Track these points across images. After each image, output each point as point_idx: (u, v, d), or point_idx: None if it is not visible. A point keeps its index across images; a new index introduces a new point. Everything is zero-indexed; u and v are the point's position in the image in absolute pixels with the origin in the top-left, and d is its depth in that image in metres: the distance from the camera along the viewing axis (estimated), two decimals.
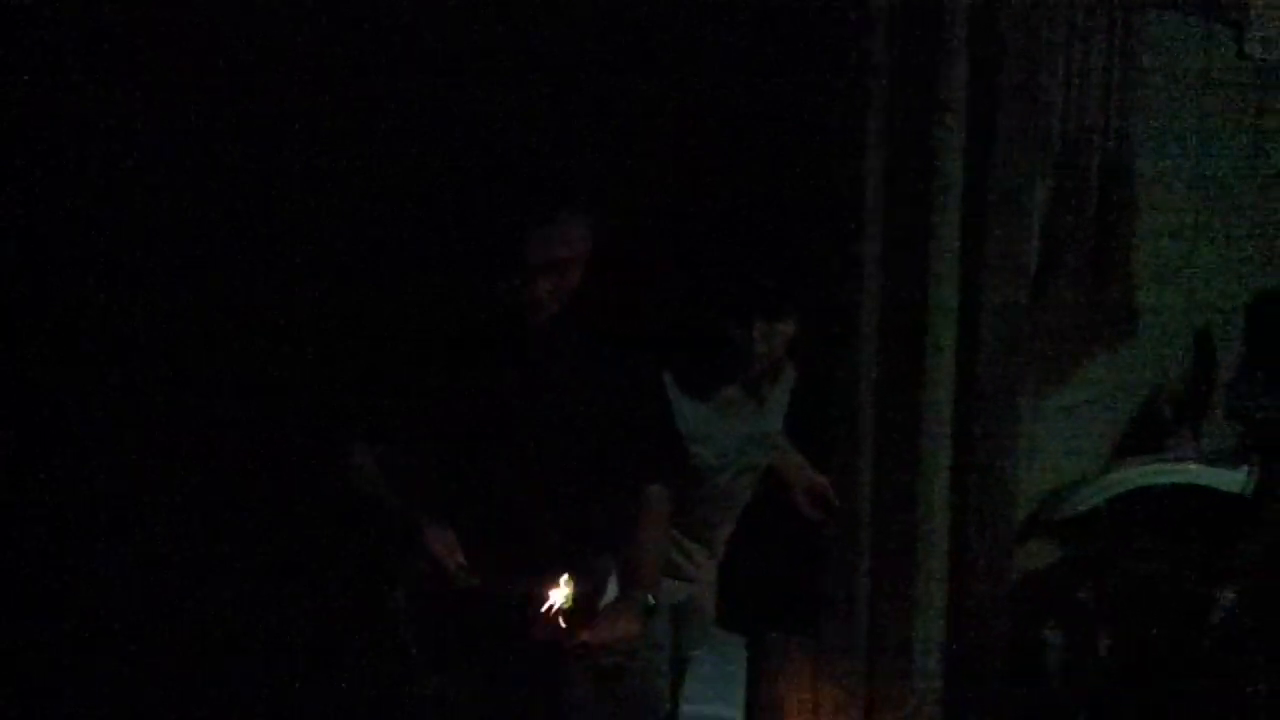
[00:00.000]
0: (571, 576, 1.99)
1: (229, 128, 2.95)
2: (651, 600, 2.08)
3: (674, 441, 2.31)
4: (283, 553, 2.98)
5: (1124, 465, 3.10)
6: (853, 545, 2.89)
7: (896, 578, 2.87)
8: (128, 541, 3.09)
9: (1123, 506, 3.04)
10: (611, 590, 2.21)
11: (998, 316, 2.73)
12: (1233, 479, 3.00)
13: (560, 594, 1.99)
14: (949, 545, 2.87)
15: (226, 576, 3.02)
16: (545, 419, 2.12)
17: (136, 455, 3.07)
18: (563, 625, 1.99)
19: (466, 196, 2.08)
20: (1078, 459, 3.12)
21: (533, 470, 2.13)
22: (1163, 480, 3.06)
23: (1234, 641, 2.97)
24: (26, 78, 2.93)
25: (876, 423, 2.80)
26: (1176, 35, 2.96)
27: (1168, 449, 3.18)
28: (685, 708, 2.85)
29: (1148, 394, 3.23)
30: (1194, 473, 3.05)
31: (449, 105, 2.82)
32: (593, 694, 2.20)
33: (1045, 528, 3.09)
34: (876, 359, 2.76)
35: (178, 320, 3.02)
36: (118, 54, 2.97)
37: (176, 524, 3.08)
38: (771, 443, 2.67)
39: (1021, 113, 2.58)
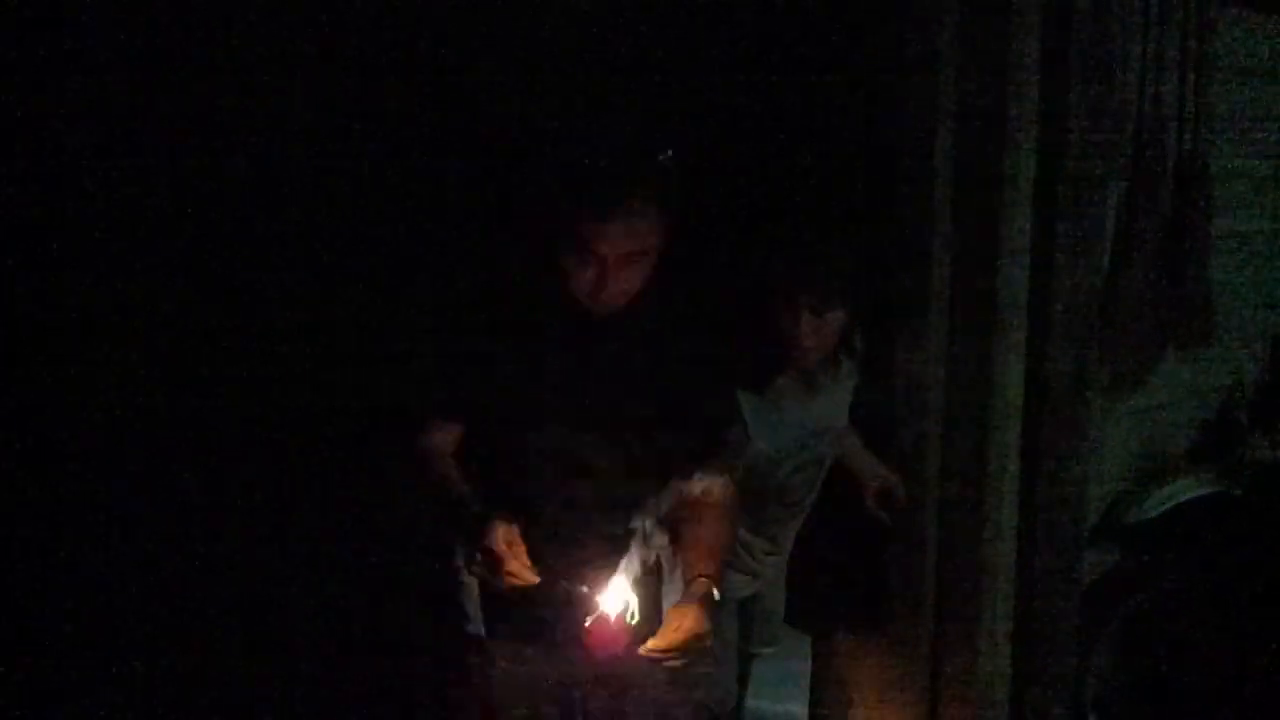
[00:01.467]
0: (630, 579, 1.98)
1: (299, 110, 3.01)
2: (716, 594, 2.06)
3: (738, 433, 2.30)
4: (348, 533, 3.02)
5: (1198, 471, 3.06)
6: (919, 545, 2.87)
7: (962, 580, 2.85)
8: (193, 511, 3.14)
9: (1192, 513, 3.00)
10: (673, 582, 2.22)
11: (1068, 314, 2.71)
12: None
13: (616, 601, 1.96)
14: (1016, 547, 2.85)
15: (290, 557, 3.07)
16: (612, 408, 2.12)
17: (203, 428, 3.12)
18: (624, 634, 1.97)
19: (541, 184, 2.08)
20: (1150, 463, 3.08)
21: (597, 460, 2.13)
22: (1236, 487, 3.02)
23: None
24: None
25: (944, 421, 2.79)
26: (1254, 31, 2.92)
27: (1243, 455, 3.12)
28: (751, 703, 2.86)
29: (1223, 397, 3.18)
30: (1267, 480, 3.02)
31: (522, 93, 2.85)
32: (658, 687, 2.17)
33: (1114, 533, 3.05)
34: (944, 355, 2.74)
35: (254, 294, 3.07)
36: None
37: (238, 501, 3.13)
38: (833, 436, 2.66)
39: (1095, 104, 2.56)
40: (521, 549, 1.93)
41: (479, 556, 1.93)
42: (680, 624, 1.95)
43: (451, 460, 2.16)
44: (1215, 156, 2.90)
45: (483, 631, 2.23)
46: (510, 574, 1.91)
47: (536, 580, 1.93)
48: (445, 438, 2.18)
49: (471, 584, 2.22)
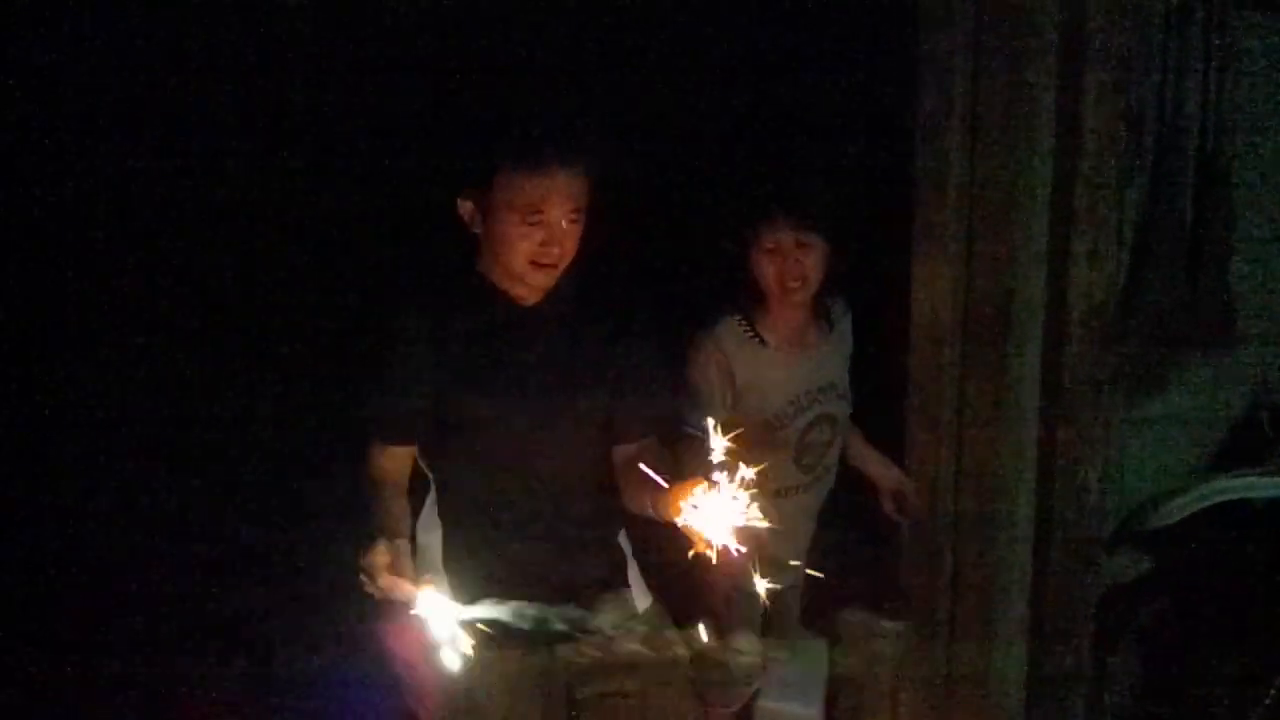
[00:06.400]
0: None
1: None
2: None
3: (666, 402, 2.36)
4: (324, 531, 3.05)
5: (1219, 478, 3.03)
6: (934, 549, 2.86)
7: (977, 584, 2.84)
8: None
9: (1216, 520, 2.97)
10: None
11: (1086, 319, 2.69)
12: None
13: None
14: (1032, 552, 2.83)
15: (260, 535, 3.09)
16: (554, 397, 2.18)
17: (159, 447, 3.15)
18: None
19: (483, 152, 2.09)
20: (1171, 470, 3.06)
21: (548, 456, 2.19)
22: (1259, 494, 2.99)
23: None
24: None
25: (958, 425, 2.78)
26: (1274, 30, 2.89)
27: (1267, 462, 3.09)
28: (763, 703, 2.85)
29: (1246, 404, 3.15)
30: None
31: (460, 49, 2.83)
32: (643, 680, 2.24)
33: (1136, 539, 3.03)
34: (959, 360, 2.73)
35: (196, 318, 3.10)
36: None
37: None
38: (841, 394, 2.71)
39: (1114, 107, 2.54)
40: (404, 565, 1.96)
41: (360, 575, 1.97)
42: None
43: (393, 484, 2.19)
44: (1238, 159, 2.87)
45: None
46: (382, 588, 1.95)
47: (410, 597, 1.95)
48: (393, 462, 2.22)
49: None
